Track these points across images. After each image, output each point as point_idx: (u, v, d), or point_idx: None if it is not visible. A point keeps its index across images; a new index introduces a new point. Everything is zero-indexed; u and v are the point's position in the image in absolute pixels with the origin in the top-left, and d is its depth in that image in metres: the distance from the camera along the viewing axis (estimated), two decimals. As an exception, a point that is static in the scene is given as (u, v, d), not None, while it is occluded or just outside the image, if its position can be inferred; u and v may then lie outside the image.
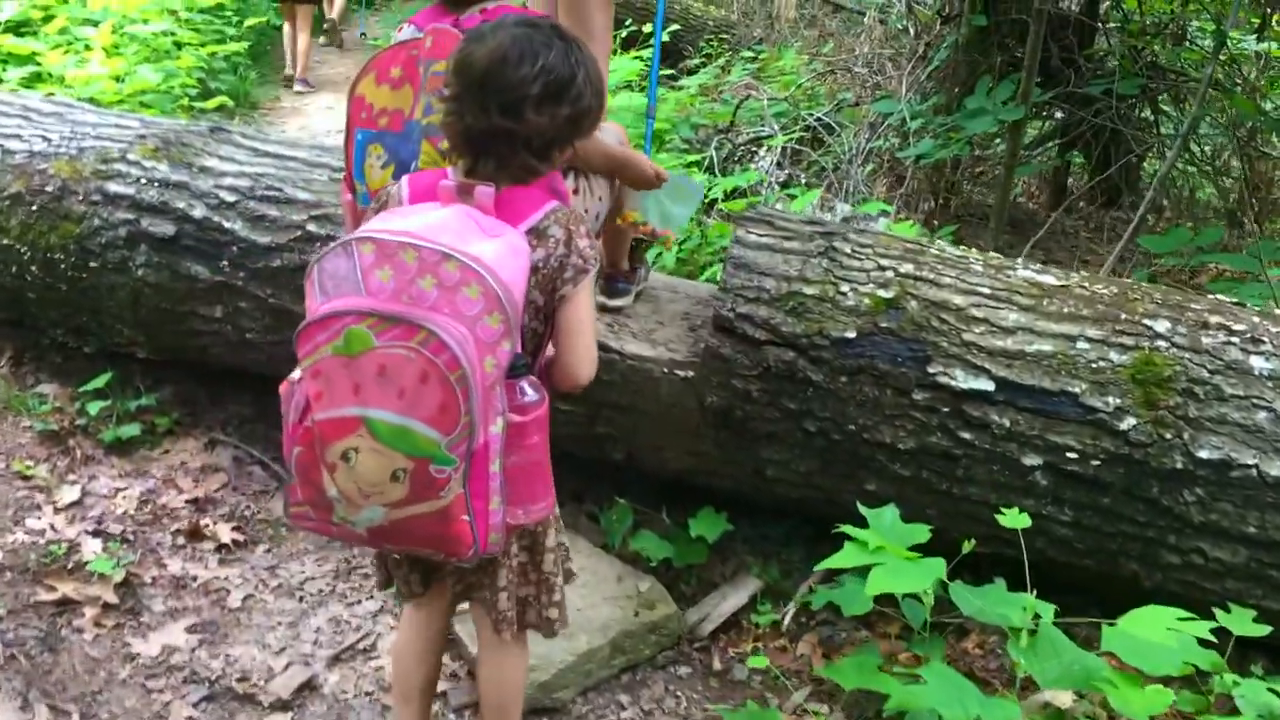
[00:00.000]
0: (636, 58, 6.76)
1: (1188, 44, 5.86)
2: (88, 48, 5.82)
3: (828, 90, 6.76)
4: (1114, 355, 2.48)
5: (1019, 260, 2.79)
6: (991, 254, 2.80)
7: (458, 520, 1.70)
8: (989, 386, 2.50)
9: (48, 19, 6.04)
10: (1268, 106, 5.70)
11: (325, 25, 10.64)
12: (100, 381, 3.31)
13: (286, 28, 8.90)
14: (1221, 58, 4.87)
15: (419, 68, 2.11)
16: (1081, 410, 2.46)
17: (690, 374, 2.75)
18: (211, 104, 5.88)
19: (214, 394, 3.47)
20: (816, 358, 2.60)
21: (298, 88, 8.79)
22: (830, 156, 5.90)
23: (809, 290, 2.65)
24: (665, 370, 2.78)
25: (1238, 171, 5.93)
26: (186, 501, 3.04)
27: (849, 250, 2.72)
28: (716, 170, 5.67)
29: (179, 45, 6.76)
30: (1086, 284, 2.64)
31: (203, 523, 2.95)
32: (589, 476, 3.15)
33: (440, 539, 1.74)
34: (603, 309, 2.97)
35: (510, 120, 1.74)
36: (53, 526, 2.86)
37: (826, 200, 5.51)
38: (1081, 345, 2.50)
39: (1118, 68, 5.50)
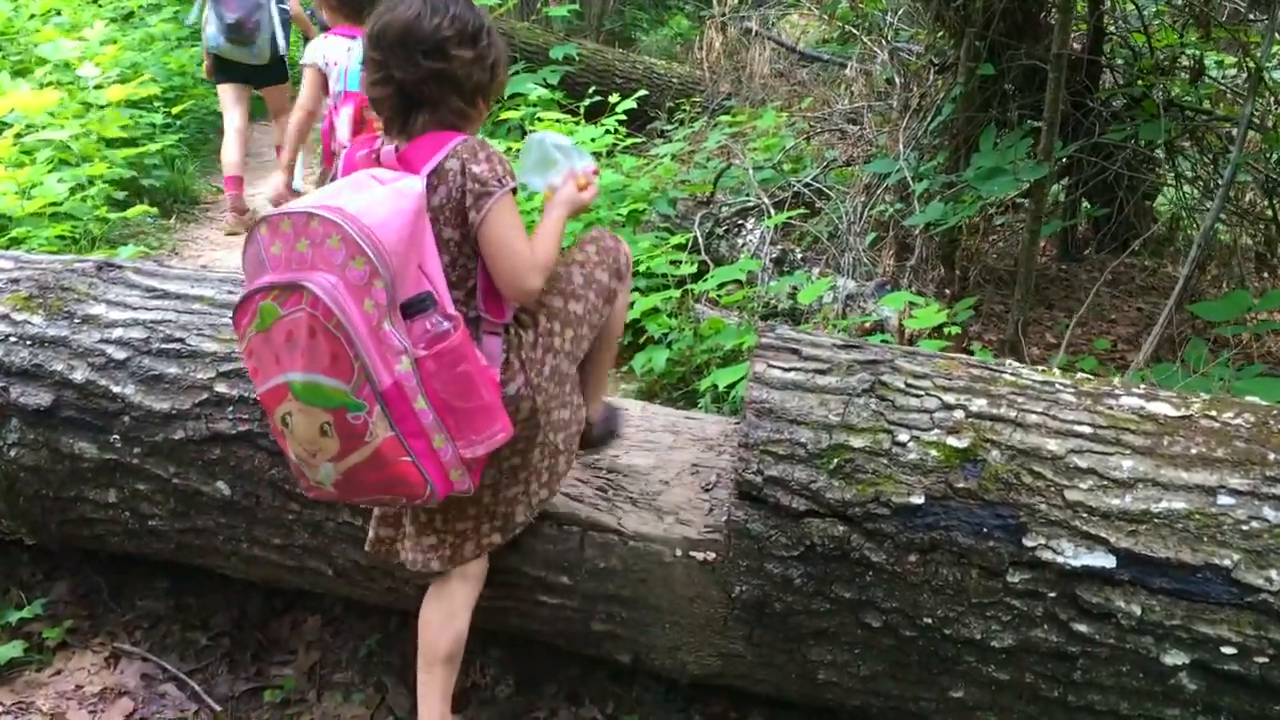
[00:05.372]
0: (606, 130, 6.19)
1: (1206, 79, 5.34)
2: (-7, 158, 5.20)
3: (814, 151, 6.22)
4: (1269, 512, 1.88)
5: (1117, 382, 2.20)
6: (1081, 376, 2.21)
7: (396, 463, 1.79)
8: (1108, 562, 1.90)
9: (-52, 127, 5.43)
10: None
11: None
12: (-27, 589, 2.67)
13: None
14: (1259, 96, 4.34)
15: None
16: (1236, 590, 1.85)
17: (711, 556, 2.15)
18: (133, 212, 5.25)
19: (119, 587, 2.83)
20: (875, 531, 2.00)
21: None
22: (825, 225, 5.34)
23: (857, 442, 2.05)
24: (679, 553, 2.17)
25: (1265, 212, 5.41)
26: (79, 746, 2.39)
27: (901, 384, 2.12)
28: (703, 249, 5.09)
29: (108, 143, 6.17)
30: (1214, 413, 2.05)
31: (97, 779, 2.30)
32: (586, 669, 2.53)
33: (389, 483, 1.82)
34: None
35: (438, 61, 1.90)
36: (-104, 808, 2.20)
37: (825, 274, 4.94)
38: (1225, 500, 1.90)
39: (1137, 110, 4.99)
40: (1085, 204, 5.65)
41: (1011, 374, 2.18)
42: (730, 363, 3.91)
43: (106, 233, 5.19)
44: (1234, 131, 5.54)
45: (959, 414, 2.06)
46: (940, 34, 5.15)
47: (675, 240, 4.83)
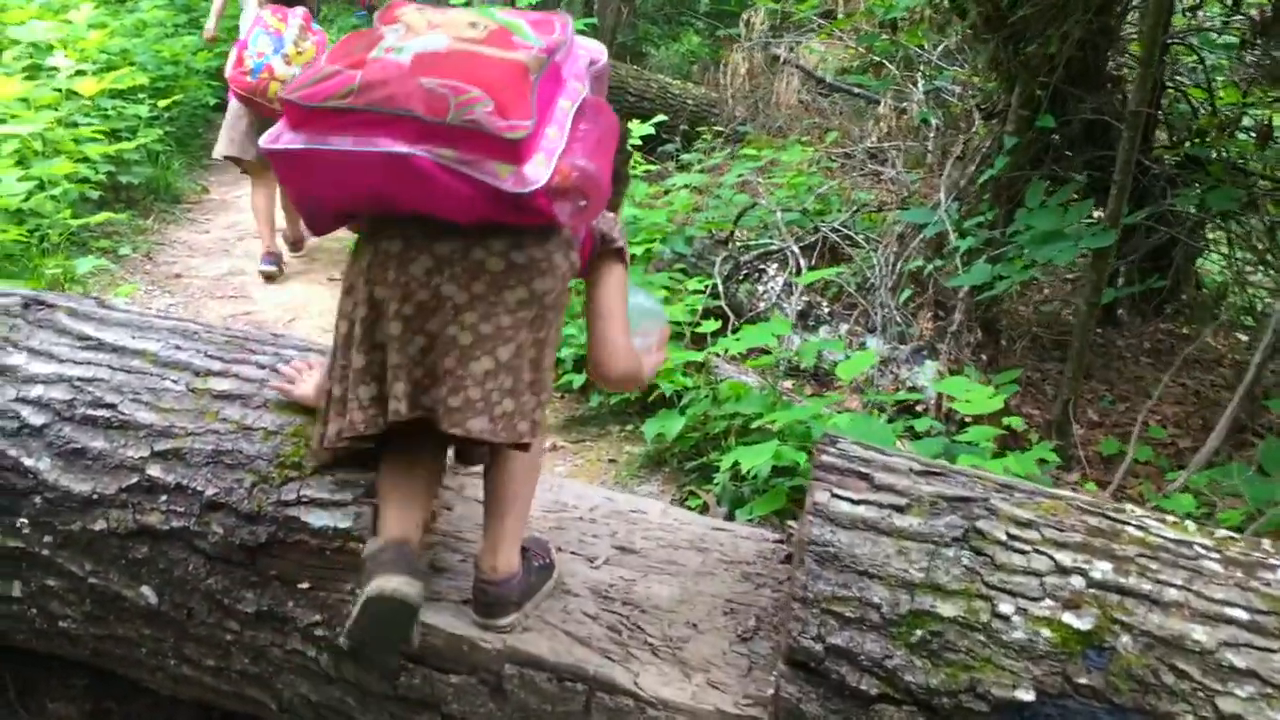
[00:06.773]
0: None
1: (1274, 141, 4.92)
2: (-51, 151, 4.73)
3: (843, 192, 5.79)
4: None
5: (1267, 544, 1.77)
6: (1223, 535, 1.77)
7: (523, 82, 1.65)
8: (1274, 802, 1.47)
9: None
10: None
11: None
12: None
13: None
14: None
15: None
16: None
17: (751, 738, 1.71)
18: (98, 218, 4.78)
19: (30, 683, 2.38)
20: (967, 731, 1.57)
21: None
22: (853, 273, 4.91)
23: (946, 609, 1.62)
24: (710, 730, 1.73)
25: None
26: None
27: (1002, 534, 1.69)
28: (721, 294, 4.66)
29: (96, 138, 5.68)
30: (1400, 600, 1.62)
31: None
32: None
33: (498, 83, 1.63)
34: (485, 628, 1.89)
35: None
36: None
37: (856, 335, 4.52)
38: None
39: (1196, 171, 4.58)
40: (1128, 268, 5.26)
41: (1137, 526, 1.75)
42: (750, 434, 3.48)
43: (69, 237, 4.72)
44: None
45: (1077, 581, 1.63)
46: (993, 79, 4.73)
47: (692, 284, 4.39)
